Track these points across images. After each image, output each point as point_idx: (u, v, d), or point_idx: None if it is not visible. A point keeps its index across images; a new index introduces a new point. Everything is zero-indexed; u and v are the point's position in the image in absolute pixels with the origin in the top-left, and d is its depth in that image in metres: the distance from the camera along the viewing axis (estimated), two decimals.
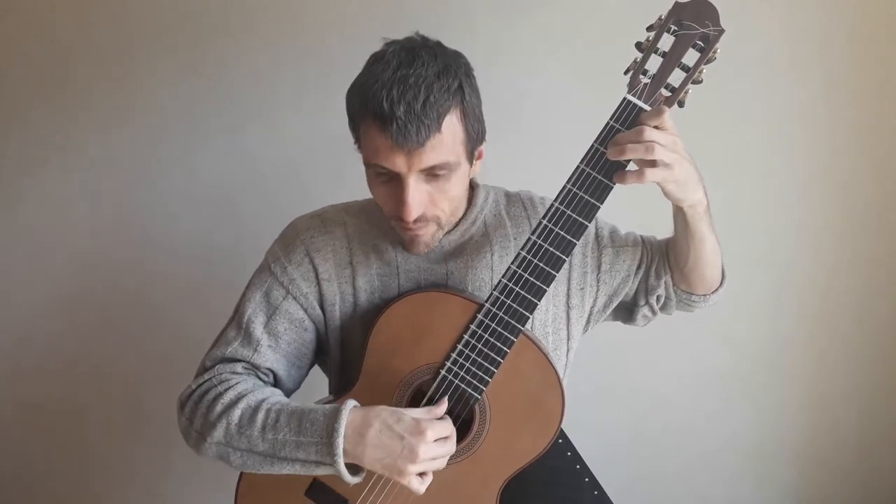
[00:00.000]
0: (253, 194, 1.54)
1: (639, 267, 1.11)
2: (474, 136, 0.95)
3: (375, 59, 0.92)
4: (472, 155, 0.97)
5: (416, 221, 0.94)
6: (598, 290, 1.10)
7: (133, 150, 1.52)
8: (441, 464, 0.92)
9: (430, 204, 0.94)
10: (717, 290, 1.10)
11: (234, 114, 1.50)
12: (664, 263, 1.10)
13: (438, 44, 0.96)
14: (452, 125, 0.91)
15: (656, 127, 0.86)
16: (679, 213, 0.98)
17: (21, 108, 1.51)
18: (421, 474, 0.91)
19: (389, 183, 0.94)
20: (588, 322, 1.13)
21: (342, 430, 0.88)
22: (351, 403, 0.91)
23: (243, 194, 1.54)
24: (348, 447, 0.88)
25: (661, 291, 1.10)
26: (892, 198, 1.54)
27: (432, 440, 0.88)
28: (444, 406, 0.95)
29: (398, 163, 0.90)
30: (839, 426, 1.66)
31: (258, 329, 1.01)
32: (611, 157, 0.87)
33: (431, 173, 0.92)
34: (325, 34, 1.46)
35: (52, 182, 1.54)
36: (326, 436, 0.89)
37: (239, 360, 1.01)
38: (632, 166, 0.89)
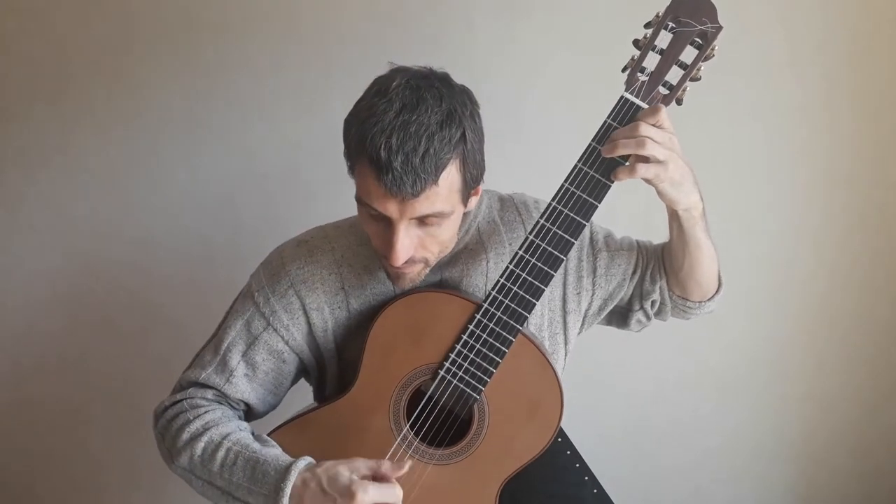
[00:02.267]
0: (253, 194, 1.54)
1: (634, 271, 1.10)
2: (471, 182, 0.94)
3: (378, 92, 0.89)
4: (467, 198, 0.95)
5: (403, 263, 0.93)
6: (593, 294, 1.09)
7: (133, 150, 1.52)
8: None
9: (420, 247, 0.93)
10: (713, 297, 1.09)
11: (235, 114, 1.50)
12: (659, 268, 1.09)
13: (445, 79, 0.92)
14: (450, 176, 0.89)
15: (653, 125, 0.86)
16: (674, 217, 0.97)
17: (21, 109, 1.51)
18: None
19: (380, 222, 0.92)
20: (583, 325, 1.13)
21: (288, 491, 0.89)
22: (302, 463, 0.91)
23: (244, 194, 1.54)
24: None
25: (655, 296, 1.10)
26: (892, 197, 1.54)
27: (367, 503, 0.85)
28: (399, 468, 0.88)
29: (390, 209, 0.88)
30: (839, 425, 1.66)
31: (235, 357, 1.02)
32: (605, 154, 0.88)
33: (423, 220, 0.91)
34: (325, 34, 1.46)
35: (53, 182, 1.54)
36: (273, 492, 0.89)
37: (210, 388, 1.02)
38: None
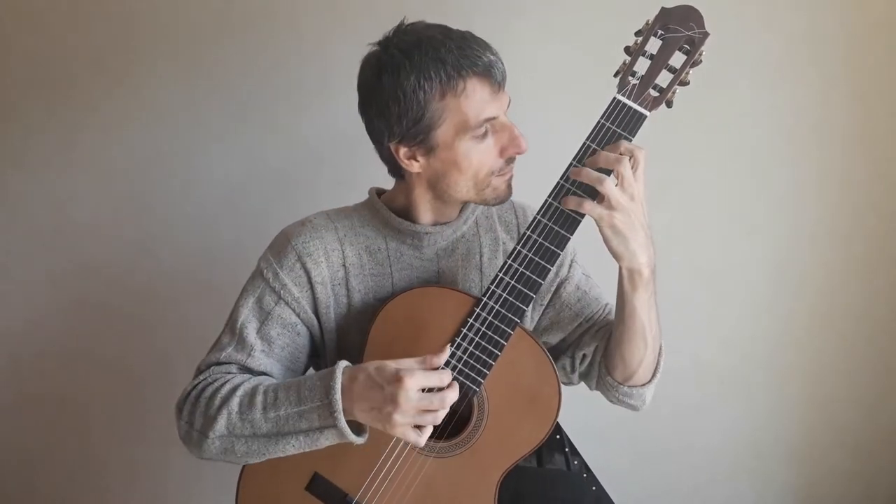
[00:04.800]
0: (254, 194, 1.55)
1: (587, 318, 1.12)
2: None
3: (412, 45, 0.95)
4: None
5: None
6: (545, 310, 1.13)
7: (134, 150, 1.53)
8: (433, 418, 0.89)
9: None
10: (635, 385, 1.06)
11: (235, 113, 1.51)
12: (604, 334, 1.10)
13: None
14: None
15: (626, 157, 0.89)
16: (619, 278, 0.97)
17: (22, 109, 1.51)
18: (418, 427, 0.90)
19: (485, 138, 0.97)
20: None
21: (338, 387, 0.90)
22: (343, 363, 0.93)
23: (244, 194, 1.55)
24: (343, 403, 0.90)
25: (587, 352, 1.10)
26: (890, 197, 1.55)
27: (414, 388, 0.86)
28: (443, 355, 0.90)
29: (503, 102, 0.98)
30: (837, 425, 1.66)
31: (251, 335, 1.02)
32: (573, 177, 0.91)
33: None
34: (324, 34, 1.47)
35: (54, 182, 1.54)
36: (324, 395, 0.90)
37: (233, 364, 1.03)
38: None
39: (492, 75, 0.94)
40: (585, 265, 1.16)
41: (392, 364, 0.89)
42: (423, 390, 0.88)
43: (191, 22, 1.47)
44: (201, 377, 1.01)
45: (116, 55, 1.49)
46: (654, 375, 1.06)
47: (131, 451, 1.66)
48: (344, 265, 1.05)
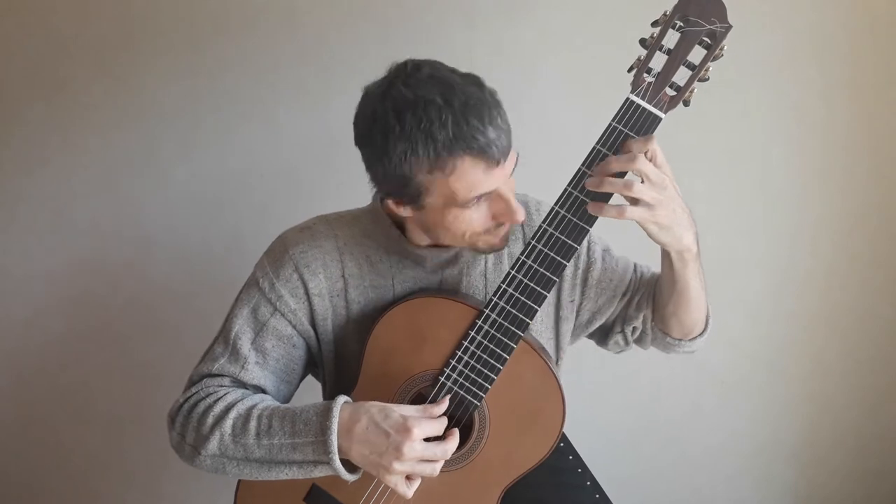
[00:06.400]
0: (253, 194, 1.54)
1: (624, 293, 1.10)
2: None
3: (407, 106, 0.85)
4: None
5: None
6: (581, 304, 1.10)
7: (133, 150, 1.52)
8: (431, 468, 0.89)
9: None
10: (695, 337, 1.08)
11: (234, 114, 1.50)
12: (648, 298, 1.08)
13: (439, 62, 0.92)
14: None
15: (646, 156, 0.84)
16: (665, 255, 0.96)
17: (21, 109, 1.50)
18: (409, 478, 0.90)
19: (479, 205, 0.91)
20: (572, 335, 1.13)
21: (334, 427, 0.88)
22: (341, 399, 0.91)
23: (244, 194, 1.54)
24: (340, 442, 0.88)
25: (637, 324, 1.10)
26: (891, 197, 1.54)
27: (419, 439, 0.86)
28: (442, 406, 0.92)
29: (498, 178, 0.89)
30: (838, 426, 1.66)
31: (245, 346, 1.00)
32: (590, 188, 0.86)
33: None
34: (324, 34, 1.46)
35: (52, 182, 1.53)
36: (320, 433, 0.88)
37: (226, 376, 1.01)
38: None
39: (488, 154, 0.85)
40: (600, 237, 1.13)
41: (396, 409, 0.88)
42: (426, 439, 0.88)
43: (191, 22, 1.46)
44: (193, 389, 0.99)
45: (116, 55, 1.48)
46: (706, 321, 1.07)
47: (130, 451, 1.66)
48: (343, 276, 1.02)
